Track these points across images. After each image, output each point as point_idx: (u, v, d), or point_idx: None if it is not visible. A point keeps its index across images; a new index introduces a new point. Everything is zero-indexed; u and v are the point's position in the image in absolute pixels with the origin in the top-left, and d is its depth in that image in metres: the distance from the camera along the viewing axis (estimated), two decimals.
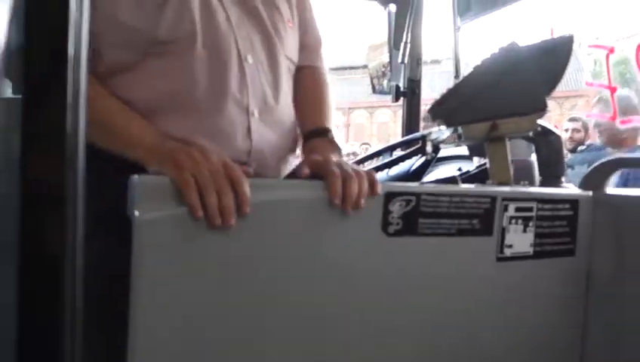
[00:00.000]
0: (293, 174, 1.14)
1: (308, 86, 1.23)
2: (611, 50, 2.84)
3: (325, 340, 0.96)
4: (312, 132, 1.14)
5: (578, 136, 4.21)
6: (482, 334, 1.12)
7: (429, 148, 1.36)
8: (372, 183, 0.95)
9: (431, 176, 1.76)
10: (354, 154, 6.82)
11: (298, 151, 1.21)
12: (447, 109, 1.14)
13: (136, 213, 0.79)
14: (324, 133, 1.14)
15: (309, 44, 1.26)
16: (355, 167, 0.98)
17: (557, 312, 1.22)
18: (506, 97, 1.10)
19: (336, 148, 1.11)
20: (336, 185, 0.92)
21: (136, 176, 0.80)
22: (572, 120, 4.45)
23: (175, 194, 0.81)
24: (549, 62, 1.08)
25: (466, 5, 2.43)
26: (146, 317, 0.80)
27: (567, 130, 4.25)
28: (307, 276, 0.93)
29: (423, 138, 1.32)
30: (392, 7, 2.46)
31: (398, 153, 1.74)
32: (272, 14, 1.13)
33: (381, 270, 0.99)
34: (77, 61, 0.53)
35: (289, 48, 1.16)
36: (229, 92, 1.02)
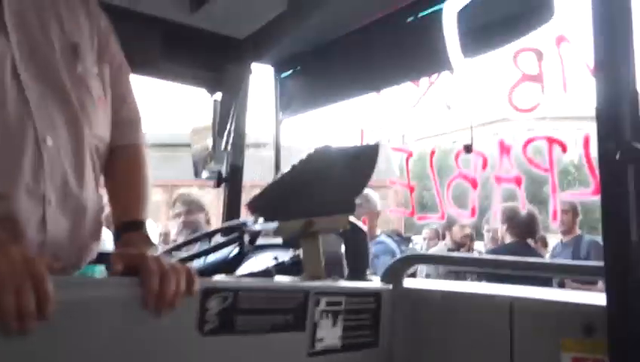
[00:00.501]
0: (100, 259, 1.05)
1: (123, 169, 1.17)
2: (410, 154, 3.21)
3: None
4: (127, 224, 1.09)
5: (432, 242, 4.88)
6: None
7: (246, 237, 1.36)
8: (190, 281, 0.90)
9: (248, 265, 1.76)
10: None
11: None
12: (265, 205, 1.16)
13: None
14: (139, 226, 1.09)
15: (125, 120, 1.20)
16: (172, 262, 0.94)
17: None
18: (320, 197, 1.16)
19: (151, 244, 1.07)
20: (153, 283, 0.86)
21: None
22: (429, 228, 5.24)
23: None
24: (358, 167, 1.18)
25: (288, 102, 2.57)
26: None
27: (424, 239, 4.99)
28: None
29: (241, 227, 1.32)
30: (218, 96, 2.51)
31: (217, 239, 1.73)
32: (79, 90, 1.05)
33: None
34: None
35: (98, 126, 1.09)
36: (21, 180, 0.92)
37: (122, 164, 1.17)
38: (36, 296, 0.72)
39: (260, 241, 1.80)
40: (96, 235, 1.11)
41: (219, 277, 1.04)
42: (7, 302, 0.70)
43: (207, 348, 0.95)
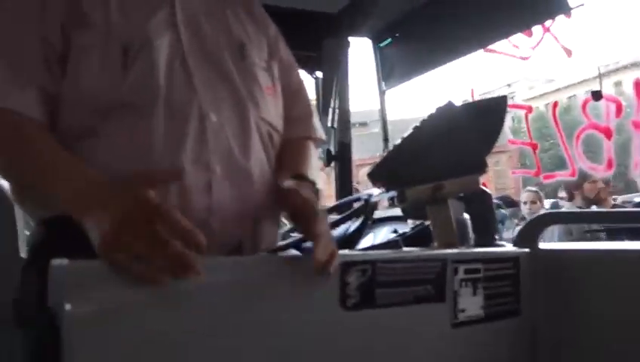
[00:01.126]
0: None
1: (294, 153, 1.20)
2: (529, 109, 3.01)
3: None
4: (297, 175, 1.08)
5: (535, 206, 4.51)
6: None
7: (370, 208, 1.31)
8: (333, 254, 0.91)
9: (367, 240, 1.73)
10: None
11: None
12: (388, 172, 1.11)
13: (67, 306, 0.67)
14: (309, 181, 1.08)
15: (298, 116, 1.25)
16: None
17: None
18: (447, 158, 1.09)
19: (321, 200, 1.06)
20: (327, 249, 0.88)
21: (63, 261, 0.69)
22: (528, 191, 4.81)
23: (115, 281, 0.70)
24: (486, 122, 1.09)
25: (389, 72, 2.51)
26: None
27: (525, 203, 4.58)
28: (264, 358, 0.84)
29: (367, 200, 1.28)
30: (319, 74, 2.50)
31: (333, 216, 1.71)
32: (246, 79, 1.11)
33: (341, 346, 0.92)
34: None
35: (268, 112, 1.14)
36: (186, 149, 0.98)
37: (292, 152, 1.21)
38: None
39: (375, 215, 1.76)
40: (269, 216, 1.11)
41: (356, 251, 1.00)
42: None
43: (351, 322, 0.92)
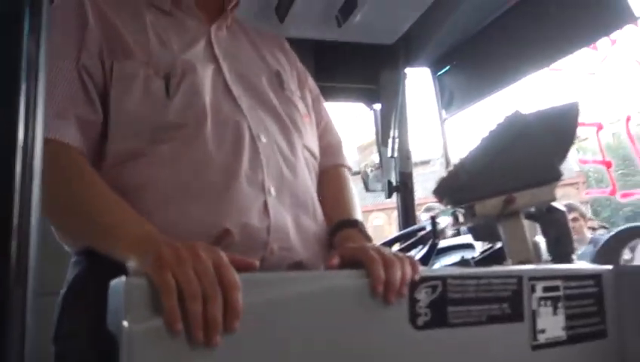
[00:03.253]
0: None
1: (332, 185, 1.21)
2: (600, 127, 2.86)
3: None
4: (342, 222, 1.07)
5: (577, 224, 4.26)
6: None
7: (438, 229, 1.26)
8: (414, 268, 0.85)
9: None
10: None
11: None
12: (455, 186, 1.06)
13: (125, 323, 0.65)
14: (354, 224, 1.07)
15: (328, 145, 1.27)
16: (394, 251, 0.89)
17: None
18: (518, 168, 1.03)
19: (369, 239, 1.03)
20: (378, 270, 0.81)
21: (121, 279, 0.68)
22: (567, 207, 4.52)
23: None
24: (558, 127, 1.03)
25: (449, 100, 2.49)
26: None
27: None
28: None
29: (434, 223, 1.23)
30: (377, 106, 2.50)
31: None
32: (287, 107, 1.14)
33: None
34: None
35: (308, 139, 1.16)
36: (241, 170, 0.97)
37: (330, 181, 1.21)
38: (224, 306, 0.68)
39: (441, 245, 1.70)
40: (321, 232, 1.09)
41: (424, 267, 0.95)
42: (193, 310, 0.66)
43: (421, 342, 0.86)
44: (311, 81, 1.31)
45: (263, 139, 1.03)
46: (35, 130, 0.49)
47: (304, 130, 1.15)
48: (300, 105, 1.18)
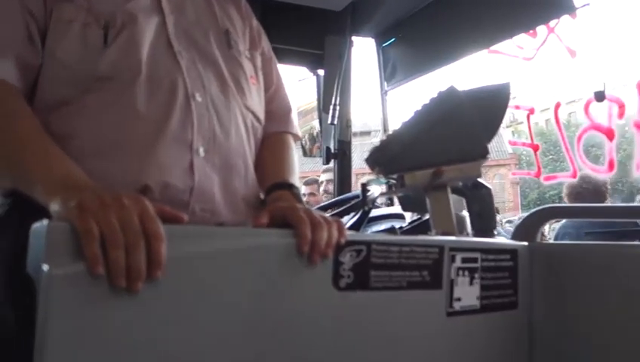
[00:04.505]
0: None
1: (273, 148, 1.19)
2: (531, 111, 2.97)
3: None
4: (277, 184, 1.07)
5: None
6: None
7: (369, 196, 1.29)
8: (340, 230, 0.87)
9: None
10: None
11: None
12: (387, 156, 1.08)
13: (45, 267, 0.64)
14: (288, 186, 1.07)
15: (277, 110, 1.25)
16: (323, 214, 0.90)
17: None
18: (448, 143, 1.07)
19: (301, 202, 1.03)
20: (306, 231, 0.83)
21: (43, 222, 0.66)
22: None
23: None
24: (489, 108, 1.07)
25: (392, 72, 2.52)
26: None
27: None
28: (252, 335, 0.81)
29: (364, 191, 1.25)
30: (321, 72, 2.51)
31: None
32: (232, 66, 1.11)
33: (331, 326, 0.89)
34: None
35: (251, 101, 1.13)
36: (169, 128, 0.95)
37: (271, 146, 1.20)
38: (148, 255, 0.68)
39: (372, 213, 1.74)
40: (250, 206, 1.09)
41: (351, 232, 0.97)
42: (114, 257, 0.66)
43: (342, 303, 0.89)
44: (265, 43, 1.27)
45: (198, 98, 1.00)
46: None
47: (248, 92, 1.12)
48: (247, 66, 1.15)
